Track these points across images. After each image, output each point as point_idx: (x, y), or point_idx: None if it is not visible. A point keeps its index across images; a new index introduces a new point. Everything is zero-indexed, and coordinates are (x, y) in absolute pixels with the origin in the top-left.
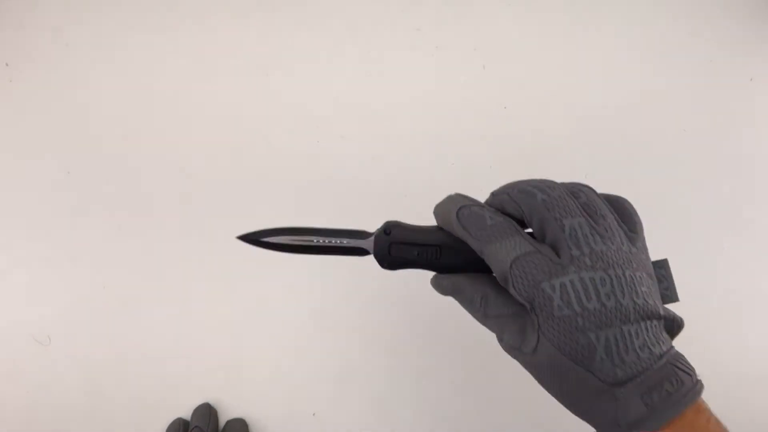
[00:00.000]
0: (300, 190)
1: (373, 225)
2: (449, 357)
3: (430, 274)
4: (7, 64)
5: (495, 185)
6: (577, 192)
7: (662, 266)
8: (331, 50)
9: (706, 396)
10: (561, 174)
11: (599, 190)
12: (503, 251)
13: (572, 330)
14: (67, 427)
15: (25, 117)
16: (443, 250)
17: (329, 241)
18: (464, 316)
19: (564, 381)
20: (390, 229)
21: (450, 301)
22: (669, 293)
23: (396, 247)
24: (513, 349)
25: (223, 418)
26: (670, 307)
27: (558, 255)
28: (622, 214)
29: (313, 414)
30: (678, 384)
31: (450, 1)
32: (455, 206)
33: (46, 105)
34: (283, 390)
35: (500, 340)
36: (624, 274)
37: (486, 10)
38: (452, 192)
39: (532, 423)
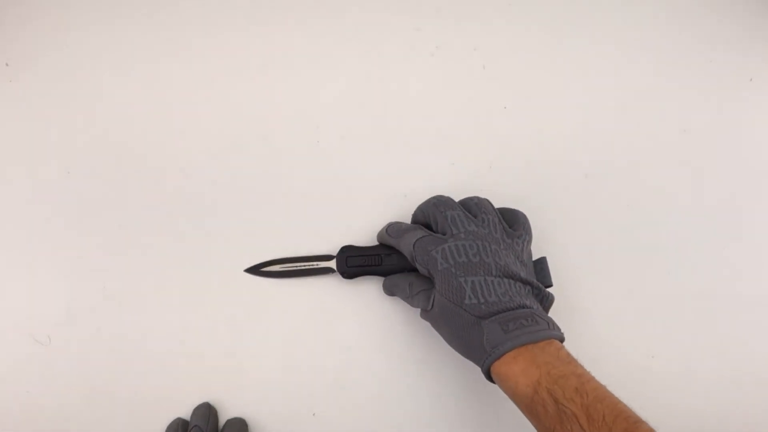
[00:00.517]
0: (300, 190)
1: (372, 224)
2: (450, 357)
3: None
4: (7, 64)
5: (495, 185)
6: (470, 199)
7: (541, 262)
8: (330, 50)
9: (708, 398)
10: (561, 174)
11: (599, 190)
12: (409, 239)
13: (449, 277)
14: (67, 427)
15: (25, 117)
16: (382, 257)
17: (308, 266)
18: None
19: (448, 321)
20: (346, 248)
21: None
22: (545, 279)
23: (351, 259)
24: (424, 311)
25: (223, 418)
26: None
27: (444, 235)
28: (510, 218)
29: (313, 414)
30: (533, 322)
31: (450, 1)
32: (386, 225)
33: (47, 105)
34: (283, 390)
35: (420, 310)
36: (490, 246)
37: (486, 10)
38: (455, 191)
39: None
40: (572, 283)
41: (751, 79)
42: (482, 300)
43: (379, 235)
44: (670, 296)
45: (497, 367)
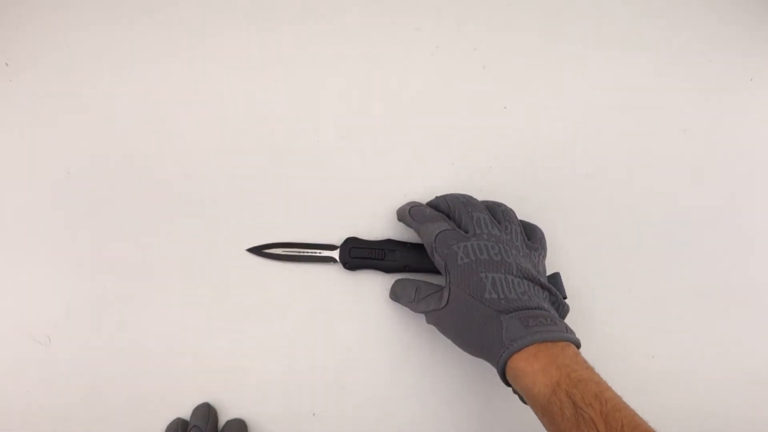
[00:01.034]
0: (300, 191)
1: (372, 225)
2: (450, 356)
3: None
4: (6, 64)
5: (494, 185)
6: (497, 205)
7: (555, 277)
8: (331, 50)
9: (708, 398)
10: (561, 174)
11: (599, 190)
12: (431, 229)
13: (470, 271)
14: (67, 427)
15: (25, 117)
16: (386, 252)
17: (311, 252)
18: None
19: (465, 315)
20: (350, 240)
21: None
22: (560, 292)
23: (354, 250)
24: (434, 311)
25: (223, 418)
26: None
27: (466, 233)
28: (529, 232)
29: (313, 414)
30: (552, 322)
31: (450, 1)
32: (409, 205)
33: (46, 105)
34: (283, 390)
35: (426, 313)
36: (510, 251)
37: (486, 10)
38: (455, 191)
39: (533, 423)
40: (572, 282)
41: (751, 79)
42: (502, 296)
43: (400, 213)
44: (670, 296)
45: (515, 362)
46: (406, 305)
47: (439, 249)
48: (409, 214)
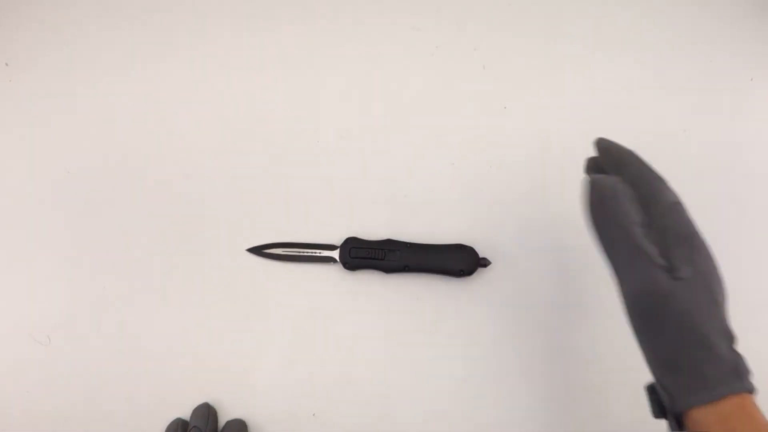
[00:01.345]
0: (300, 191)
1: (371, 225)
2: (449, 356)
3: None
4: (6, 64)
5: (495, 185)
6: None
7: None
8: (330, 50)
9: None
10: (561, 174)
11: None
12: (670, 193)
13: (715, 276)
14: (67, 427)
15: (25, 117)
16: (386, 252)
17: (310, 252)
18: (464, 315)
19: (702, 308)
20: (350, 240)
21: (449, 299)
22: None
23: (354, 250)
24: (664, 272)
25: (223, 418)
26: None
27: None
28: None
29: (313, 414)
30: None
31: (450, 1)
32: (634, 153)
33: (46, 105)
34: (283, 390)
35: (653, 264)
36: None
37: (486, 10)
38: (455, 191)
39: (533, 422)
40: (573, 283)
41: (751, 79)
42: (728, 326)
43: (615, 148)
44: None
45: (746, 400)
46: (618, 219)
47: (684, 221)
48: (632, 152)
